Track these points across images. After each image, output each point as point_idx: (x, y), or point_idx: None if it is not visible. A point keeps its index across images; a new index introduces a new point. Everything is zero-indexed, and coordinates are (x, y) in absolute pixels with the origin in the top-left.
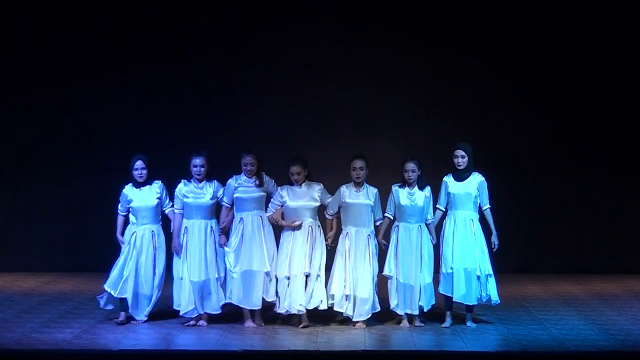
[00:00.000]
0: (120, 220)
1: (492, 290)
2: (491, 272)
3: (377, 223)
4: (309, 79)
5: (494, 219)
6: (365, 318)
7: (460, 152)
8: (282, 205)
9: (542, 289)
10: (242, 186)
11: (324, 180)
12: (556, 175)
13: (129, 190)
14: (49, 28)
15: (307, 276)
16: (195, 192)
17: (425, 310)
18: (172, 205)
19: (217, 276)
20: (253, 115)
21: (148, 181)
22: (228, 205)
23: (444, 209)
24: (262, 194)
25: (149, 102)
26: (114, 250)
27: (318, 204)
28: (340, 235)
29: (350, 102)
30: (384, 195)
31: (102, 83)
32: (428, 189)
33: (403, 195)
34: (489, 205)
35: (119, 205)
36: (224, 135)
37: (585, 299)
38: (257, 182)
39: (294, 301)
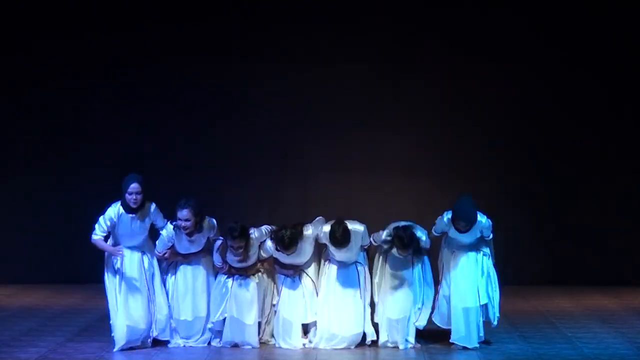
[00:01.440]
0: (100, 242)
1: (493, 313)
2: (496, 289)
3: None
4: (308, 76)
5: (509, 234)
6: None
7: (462, 224)
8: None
9: (571, 302)
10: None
11: (324, 181)
12: (590, 178)
13: (116, 212)
14: (41, 27)
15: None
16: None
17: (421, 328)
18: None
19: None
20: (245, 110)
21: (141, 206)
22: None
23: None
24: None
25: (132, 103)
26: (85, 260)
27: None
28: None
29: (352, 99)
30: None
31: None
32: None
33: (394, 256)
34: (491, 236)
35: (97, 226)
36: (217, 130)
37: (621, 314)
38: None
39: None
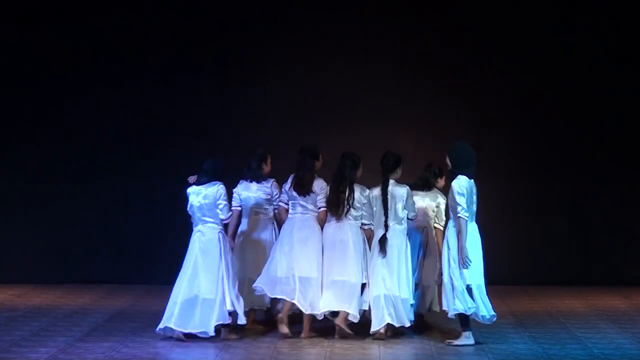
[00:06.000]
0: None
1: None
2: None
3: (366, 227)
4: (316, 66)
5: (518, 234)
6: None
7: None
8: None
9: (582, 303)
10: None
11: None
12: (598, 178)
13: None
14: (22, 21)
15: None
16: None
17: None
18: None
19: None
20: (254, 102)
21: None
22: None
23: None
24: None
25: (139, 94)
26: (95, 261)
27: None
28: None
29: (362, 90)
30: None
31: (83, 77)
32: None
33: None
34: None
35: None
36: (218, 129)
37: (631, 315)
38: None
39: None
